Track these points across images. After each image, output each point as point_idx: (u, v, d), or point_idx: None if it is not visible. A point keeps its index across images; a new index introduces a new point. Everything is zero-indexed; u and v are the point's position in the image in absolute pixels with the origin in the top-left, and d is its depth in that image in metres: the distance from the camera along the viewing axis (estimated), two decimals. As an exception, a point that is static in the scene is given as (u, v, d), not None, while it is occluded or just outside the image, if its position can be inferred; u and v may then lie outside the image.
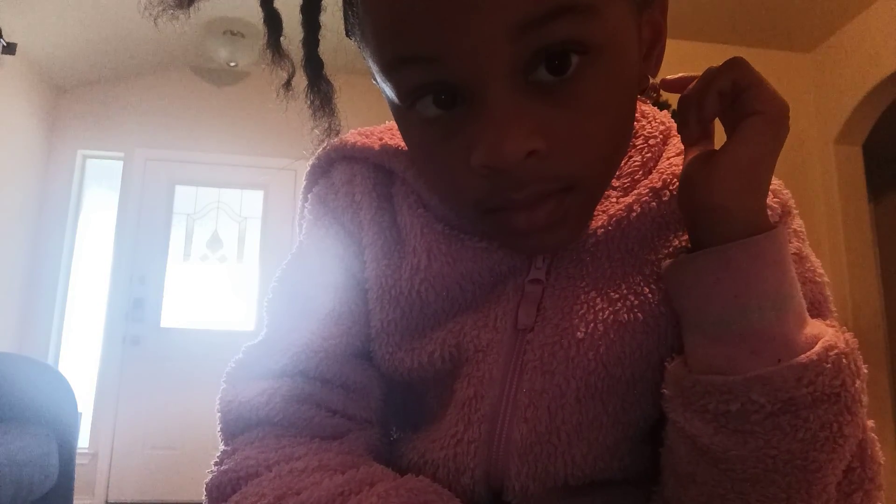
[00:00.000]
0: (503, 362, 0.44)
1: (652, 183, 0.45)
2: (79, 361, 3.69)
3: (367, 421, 0.47)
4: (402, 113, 0.40)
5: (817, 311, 0.44)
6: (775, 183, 0.47)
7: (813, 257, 0.47)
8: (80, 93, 3.84)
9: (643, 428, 0.45)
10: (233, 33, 3.50)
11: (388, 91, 0.40)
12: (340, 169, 0.51)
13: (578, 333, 0.42)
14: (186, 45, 3.69)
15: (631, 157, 0.47)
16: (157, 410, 3.53)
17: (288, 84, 0.50)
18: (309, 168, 0.54)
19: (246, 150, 3.89)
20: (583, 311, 0.43)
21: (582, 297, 0.43)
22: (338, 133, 0.51)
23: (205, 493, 0.43)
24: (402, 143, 0.49)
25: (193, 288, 3.79)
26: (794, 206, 0.48)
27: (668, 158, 0.46)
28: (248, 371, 0.47)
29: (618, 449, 0.44)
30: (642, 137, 0.48)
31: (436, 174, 0.41)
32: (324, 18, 0.50)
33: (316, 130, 0.51)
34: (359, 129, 0.54)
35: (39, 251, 3.66)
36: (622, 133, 0.41)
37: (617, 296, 0.43)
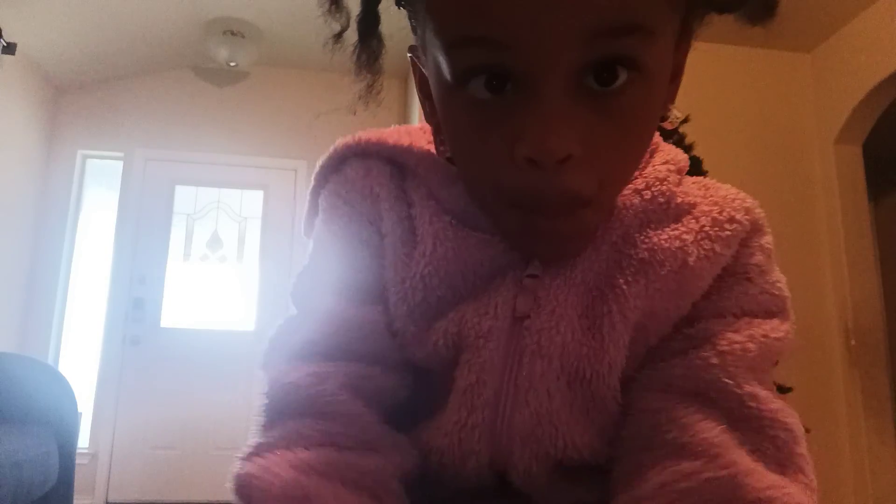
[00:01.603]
0: (503, 348, 0.46)
1: (636, 185, 0.48)
2: (79, 361, 3.69)
3: (407, 402, 0.49)
4: (451, 91, 0.40)
5: (764, 314, 0.47)
6: (749, 202, 0.50)
7: (777, 273, 0.49)
8: (80, 93, 3.84)
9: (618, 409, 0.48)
10: (233, 33, 3.50)
11: (444, 67, 0.39)
12: (354, 165, 0.52)
13: (569, 322, 0.45)
14: (186, 45, 3.69)
15: None
16: (157, 410, 3.53)
17: (339, 36, 0.50)
18: (318, 168, 0.54)
19: (246, 150, 3.89)
20: (573, 303, 0.46)
21: (572, 288, 0.46)
22: (378, 93, 0.52)
23: (233, 485, 0.41)
24: (413, 141, 0.51)
25: (193, 288, 3.79)
26: (765, 225, 0.50)
27: (654, 166, 0.49)
28: (291, 354, 0.46)
29: (610, 432, 0.47)
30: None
31: (473, 158, 0.42)
32: (333, 23, 0.50)
33: (356, 87, 0.52)
34: (366, 130, 0.54)
35: (39, 251, 3.66)
36: (643, 152, 0.45)
37: (597, 290, 0.46)
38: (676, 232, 0.47)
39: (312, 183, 0.54)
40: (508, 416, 0.46)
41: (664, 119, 0.46)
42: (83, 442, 3.37)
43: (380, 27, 0.49)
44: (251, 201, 3.93)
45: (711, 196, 0.49)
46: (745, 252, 0.48)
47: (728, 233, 0.47)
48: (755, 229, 0.49)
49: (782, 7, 0.40)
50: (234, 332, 3.73)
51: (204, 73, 3.96)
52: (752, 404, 0.42)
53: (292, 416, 0.43)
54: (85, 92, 3.84)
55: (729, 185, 0.52)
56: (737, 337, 0.44)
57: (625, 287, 0.45)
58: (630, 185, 0.47)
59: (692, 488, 0.39)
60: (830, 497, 3.09)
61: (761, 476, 0.39)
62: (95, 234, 3.89)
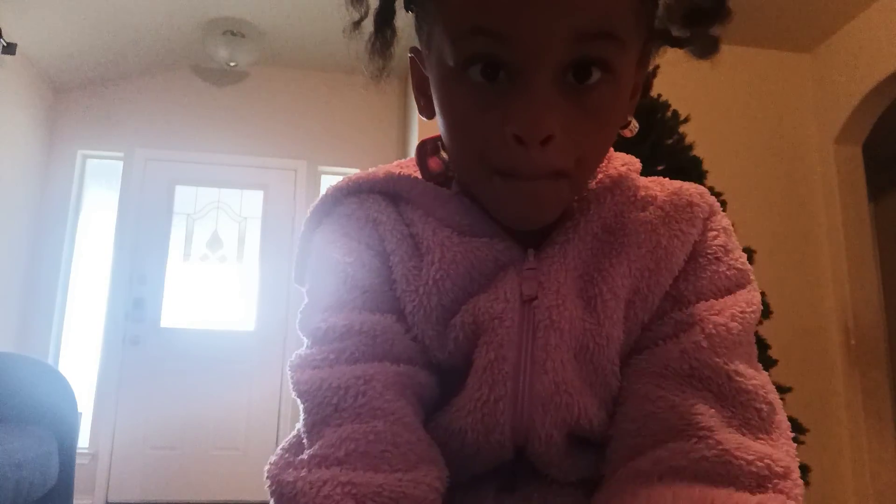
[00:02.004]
0: (517, 326, 0.50)
1: (605, 185, 0.55)
2: (79, 361, 3.68)
3: (439, 398, 0.52)
4: (452, 75, 0.47)
5: (738, 288, 0.53)
6: (701, 189, 0.57)
7: (739, 251, 0.55)
8: (80, 93, 3.84)
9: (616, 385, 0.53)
10: (233, 33, 3.50)
11: (448, 55, 0.46)
12: (347, 202, 0.56)
13: (573, 299, 0.51)
14: (186, 45, 3.69)
15: (595, 178, 0.57)
16: (157, 410, 3.53)
17: (357, 24, 0.54)
18: (310, 213, 0.57)
19: (246, 150, 3.90)
20: (570, 287, 0.51)
21: (566, 276, 0.52)
22: (387, 77, 0.56)
23: (273, 482, 0.44)
24: (402, 171, 0.57)
25: (193, 288, 3.79)
26: (719, 207, 0.58)
27: (616, 168, 0.57)
28: (319, 364, 0.49)
29: (610, 405, 0.52)
30: (602, 171, 0.57)
31: (466, 134, 0.48)
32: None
33: (368, 69, 0.56)
34: (354, 173, 0.59)
35: (39, 251, 3.66)
36: (609, 142, 0.51)
37: (587, 276, 0.52)
38: (646, 218, 0.54)
39: (303, 228, 0.58)
40: (529, 385, 0.50)
41: (624, 127, 0.54)
42: (83, 442, 3.38)
43: (394, 19, 0.55)
44: (251, 201, 3.93)
45: (667, 188, 0.57)
46: (710, 234, 0.55)
47: (690, 214, 0.54)
48: (713, 212, 0.56)
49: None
50: (234, 332, 3.73)
51: (204, 73, 3.96)
52: (739, 380, 0.47)
53: (340, 420, 0.46)
54: (85, 92, 3.84)
55: (678, 181, 0.60)
56: (720, 319, 0.50)
57: (610, 269, 0.52)
58: (601, 186, 0.55)
59: (686, 466, 0.43)
60: (830, 497, 3.09)
61: (749, 447, 0.44)
62: (95, 234, 3.88)
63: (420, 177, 0.57)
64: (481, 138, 0.46)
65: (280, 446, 0.48)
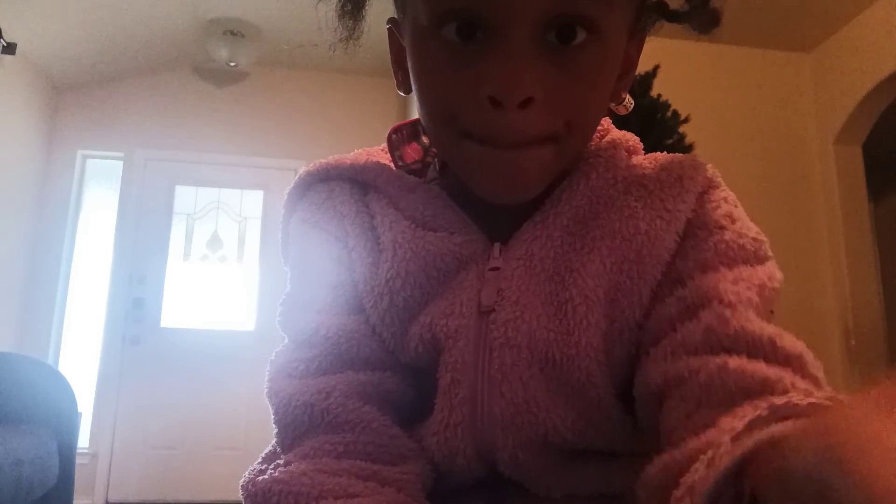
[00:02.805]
0: (473, 345, 0.47)
1: (582, 170, 0.50)
2: (79, 361, 3.69)
3: (415, 403, 0.50)
4: (426, 35, 0.44)
5: (755, 259, 0.45)
6: (699, 161, 0.51)
7: (749, 222, 0.48)
8: (80, 93, 3.84)
9: (611, 396, 0.47)
10: (233, 33, 3.50)
11: (421, 13, 0.43)
12: (317, 189, 0.55)
13: (534, 310, 0.46)
14: (186, 45, 3.69)
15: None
16: (157, 410, 3.53)
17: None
18: (286, 197, 0.57)
19: (246, 150, 3.90)
20: (534, 291, 0.47)
21: (532, 278, 0.47)
22: (358, 38, 0.54)
23: (246, 492, 0.43)
24: (370, 158, 0.55)
25: (193, 288, 3.79)
26: (721, 180, 0.51)
27: (600, 148, 0.51)
28: (290, 373, 0.48)
29: (591, 416, 0.47)
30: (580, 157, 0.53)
31: (438, 95, 0.45)
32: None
33: (338, 32, 0.54)
34: (328, 157, 0.58)
35: (39, 251, 3.66)
36: (600, 109, 0.48)
37: (557, 276, 0.47)
38: (627, 201, 0.48)
39: (283, 211, 0.57)
40: (487, 409, 0.46)
41: (618, 103, 0.51)
42: (83, 442, 3.37)
43: None
44: (251, 201, 3.93)
45: (660, 164, 0.51)
46: (709, 206, 0.48)
47: (679, 189, 0.48)
48: (711, 185, 0.50)
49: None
50: (235, 332, 3.73)
51: (204, 73, 3.96)
52: (780, 344, 0.39)
53: (308, 435, 0.45)
54: (85, 92, 3.84)
55: (681, 154, 0.53)
56: (736, 288, 0.42)
57: (581, 268, 0.47)
58: (577, 171, 0.50)
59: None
60: (830, 497, 3.09)
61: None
62: (95, 234, 3.88)
63: (391, 162, 0.55)
64: (454, 100, 0.43)
65: (256, 461, 0.47)
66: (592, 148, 0.52)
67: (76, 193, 3.84)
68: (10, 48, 3.00)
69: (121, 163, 3.83)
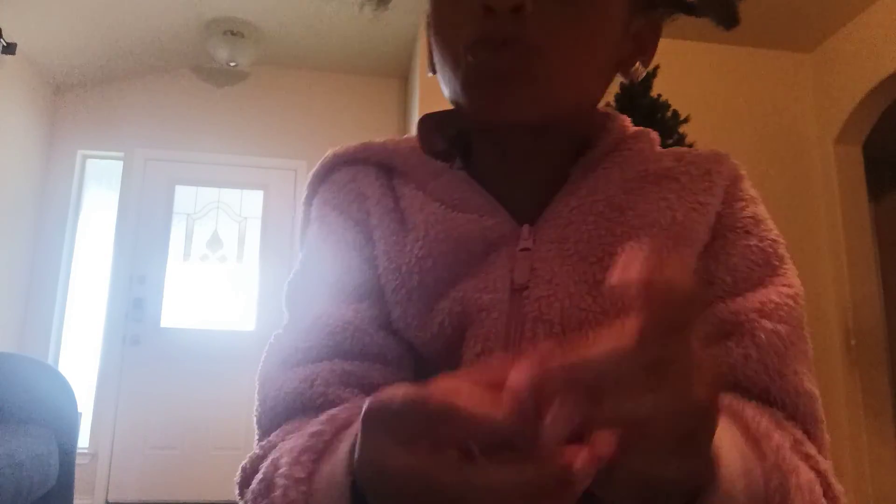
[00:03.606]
0: (505, 318, 0.48)
1: (614, 160, 0.52)
2: (79, 361, 3.69)
3: None
4: None
5: (776, 265, 0.49)
6: (721, 153, 0.54)
7: (770, 221, 0.52)
8: (80, 93, 3.84)
9: None
10: (233, 33, 3.50)
11: None
12: (342, 171, 0.56)
13: (570, 288, 0.47)
14: (186, 45, 3.69)
15: (597, 145, 0.53)
16: (157, 410, 3.53)
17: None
18: (309, 178, 0.58)
19: (246, 150, 3.90)
20: (568, 272, 0.48)
21: (566, 259, 0.48)
22: (385, 6, 0.57)
23: (239, 474, 0.44)
24: (398, 144, 0.56)
25: (193, 288, 3.79)
26: (742, 171, 0.54)
27: (627, 142, 0.54)
28: (284, 361, 0.48)
29: None
30: (605, 138, 0.54)
31: (444, 23, 0.49)
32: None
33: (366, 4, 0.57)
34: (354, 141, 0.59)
35: (39, 251, 3.66)
36: (592, 52, 0.48)
37: (594, 258, 0.48)
38: (661, 193, 0.50)
39: (305, 192, 0.58)
40: None
41: (628, 70, 0.52)
42: (83, 442, 3.37)
43: None
44: (251, 201, 3.93)
45: (685, 158, 0.53)
46: (737, 205, 0.51)
47: (709, 183, 0.51)
48: (735, 178, 0.52)
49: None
50: (234, 332, 3.73)
51: (204, 73, 3.96)
52: (800, 399, 0.45)
53: (288, 418, 0.45)
54: (85, 92, 3.84)
55: (695, 150, 0.56)
56: (769, 324, 0.45)
57: (619, 252, 0.47)
58: (609, 160, 0.52)
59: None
60: (830, 497, 3.09)
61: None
62: (95, 234, 3.88)
63: (420, 152, 0.56)
64: (456, 19, 0.46)
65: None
66: (621, 137, 0.53)
67: (76, 193, 3.84)
68: (10, 48, 3.00)
69: (121, 163, 3.83)
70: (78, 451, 2.00)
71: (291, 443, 0.39)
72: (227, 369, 3.60)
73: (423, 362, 0.52)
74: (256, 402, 0.48)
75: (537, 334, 0.47)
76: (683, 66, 3.02)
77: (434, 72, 0.52)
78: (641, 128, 0.57)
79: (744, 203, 0.51)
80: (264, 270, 3.80)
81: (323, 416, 0.40)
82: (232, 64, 3.66)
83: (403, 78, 4.01)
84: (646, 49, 0.53)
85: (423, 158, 0.55)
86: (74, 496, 1.92)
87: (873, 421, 3.11)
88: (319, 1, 3.22)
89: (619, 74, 0.53)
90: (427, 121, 0.58)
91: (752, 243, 0.49)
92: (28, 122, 3.51)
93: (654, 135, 0.56)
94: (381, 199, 0.54)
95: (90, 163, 3.93)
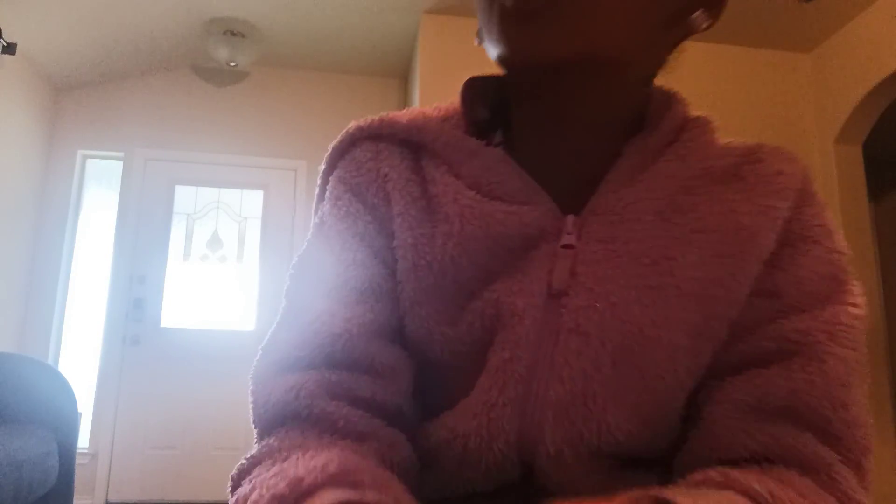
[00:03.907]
0: (539, 326, 0.44)
1: (676, 152, 0.47)
2: (79, 361, 3.69)
3: (396, 409, 0.46)
4: None
5: (843, 280, 0.45)
6: (791, 153, 0.48)
7: (834, 226, 0.47)
8: (80, 93, 3.84)
9: (678, 400, 0.45)
10: (233, 33, 3.50)
11: None
12: (364, 147, 0.51)
13: (612, 298, 0.43)
14: (186, 45, 3.69)
15: (657, 128, 0.48)
16: (157, 410, 3.53)
17: None
18: (329, 150, 0.53)
19: (246, 150, 3.90)
20: (615, 276, 0.44)
21: (614, 261, 0.44)
22: None
23: (229, 482, 0.43)
24: (428, 120, 0.51)
25: (193, 288, 3.79)
26: (810, 175, 0.48)
27: (689, 132, 0.48)
28: (276, 364, 0.46)
29: (651, 418, 0.44)
30: (668, 120, 0.49)
31: None
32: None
33: None
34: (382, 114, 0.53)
35: (39, 251, 3.66)
36: (633, 6, 0.42)
37: (648, 260, 0.44)
38: (725, 195, 0.45)
39: (323, 166, 0.53)
40: (542, 392, 0.44)
41: (688, 23, 0.45)
42: (83, 442, 3.37)
43: None
44: (251, 201, 3.93)
45: (753, 153, 0.48)
46: (807, 210, 0.46)
47: (779, 185, 0.46)
48: (806, 181, 0.47)
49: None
50: (234, 332, 3.73)
51: (204, 73, 3.96)
52: (855, 431, 0.43)
53: (279, 426, 0.43)
54: (85, 92, 3.84)
55: (764, 142, 0.51)
56: (837, 350, 0.42)
57: (679, 258, 0.44)
58: (671, 151, 0.47)
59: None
60: (830, 497, 3.09)
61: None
62: (95, 234, 3.89)
63: (452, 124, 0.51)
64: None
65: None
66: (682, 123, 0.49)
67: (76, 193, 3.84)
68: (10, 48, 3.00)
69: (121, 163, 3.83)
70: (78, 451, 2.00)
71: (258, 492, 0.36)
72: (227, 369, 3.60)
73: (438, 365, 0.48)
74: (250, 403, 0.46)
75: (571, 347, 0.43)
76: (683, 66, 3.02)
77: (482, 41, 0.47)
78: (700, 114, 0.51)
79: (814, 210, 0.46)
80: (264, 270, 3.80)
81: (290, 472, 0.36)
82: (232, 64, 3.66)
83: (403, 78, 4.01)
84: (703, 3, 0.45)
85: (455, 135, 0.49)
86: (74, 496, 1.92)
87: (873, 421, 3.11)
88: (319, 1, 3.22)
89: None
90: (472, 85, 0.52)
91: (820, 255, 0.45)
92: (28, 122, 3.51)
93: (714, 123, 0.51)
94: (407, 185, 0.49)
95: (90, 163, 3.93)
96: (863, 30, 3.16)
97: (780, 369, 0.42)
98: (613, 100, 0.47)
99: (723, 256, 0.44)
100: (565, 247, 0.45)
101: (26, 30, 3.12)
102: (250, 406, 0.46)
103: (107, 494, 3.44)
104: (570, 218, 0.45)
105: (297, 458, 0.38)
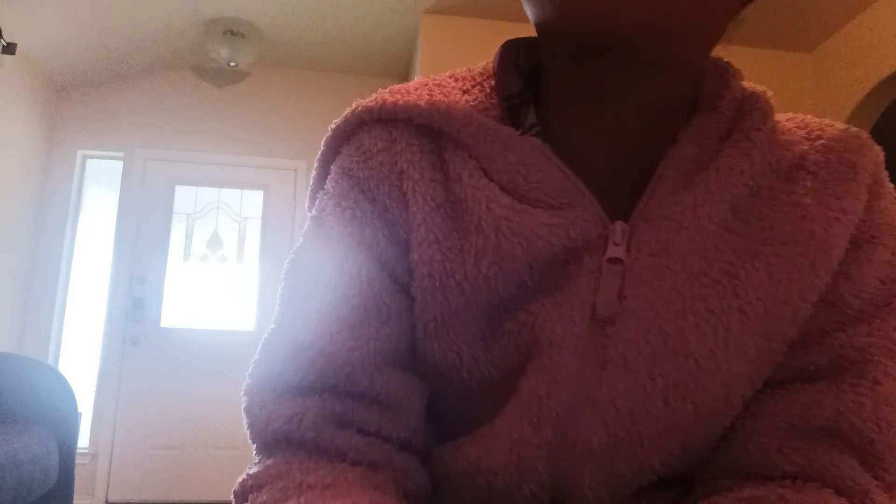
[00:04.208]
0: (579, 357, 0.38)
1: (738, 144, 0.39)
2: (79, 361, 3.69)
3: (404, 442, 0.42)
4: None
5: None
6: (863, 135, 0.42)
7: None
8: (80, 93, 3.84)
9: (725, 426, 0.41)
10: (233, 33, 3.50)
11: None
12: (374, 133, 0.43)
13: (666, 327, 0.38)
14: (186, 45, 3.69)
15: (714, 109, 0.41)
16: (157, 410, 3.53)
17: None
18: (330, 132, 0.45)
19: (246, 150, 3.90)
20: (670, 299, 0.38)
21: (669, 280, 0.38)
22: None
23: (232, 497, 0.40)
24: (451, 100, 0.42)
25: (193, 288, 3.79)
26: (882, 159, 0.41)
27: (757, 128, 0.41)
28: (272, 384, 0.41)
29: (699, 448, 0.41)
30: (728, 100, 0.41)
31: None
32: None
33: None
34: (390, 88, 0.45)
35: (39, 251, 3.66)
36: None
37: (708, 279, 0.38)
38: (794, 196, 0.39)
39: (322, 148, 0.46)
40: (582, 436, 0.39)
41: None
42: (83, 442, 3.37)
43: None
44: (251, 201, 3.93)
45: (820, 139, 0.41)
46: (876, 205, 0.40)
47: (854, 183, 0.39)
48: (878, 168, 0.41)
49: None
50: (234, 332, 3.73)
51: (204, 73, 3.96)
52: (885, 452, 0.38)
53: (280, 451, 0.40)
54: (85, 92, 3.84)
55: (826, 120, 0.44)
56: (893, 368, 0.38)
57: (745, 277, 0.38)
58: (733, 144, 0.39)
59: None
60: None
61: None
62: (95, 234, 3.89)
63: (475, 101, 0.43)
64: None
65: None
66: (741, 103, 0.42)
67: (76, 193, 3.84)
68: (10, 48, 3.00)
69: (121, 163, 3.83)
70: (78, 451, 2.00)
71: None
72: (227, 369, 3.59)
73: (460, 388, 0.42)
74: (245, 419, 0.42)
75: (617, 386, 0.38)
76: (683, 66, 3.01)
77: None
78: (756, 88, 0.45)
79: (883, 203, 0.40)
80: (264, 270, 3.80)
81: None
82: (232, 64, 3.66)
83: (403, 78, 4.01)
84: None
85: (486, 123, 0.40)
86: (74, 496, 1.92)
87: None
88: (319, 1, 3.22)
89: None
90: (509, 50, 0.44)
91: (885, 258, 0.39)
92: (28, 122, 3.51)
93: (766, 96, 0.43)
94: (430, 186, 0.41)
95: (90, 163, 3.93)
96: (863, 30, 3.16)
97: (827, 386, 0.38)
98: (672, 76, 0.39)
99: (793, 272, 0.38)
100: (612, 260, 0.38)
101: (26, 30, 3.12)
102: (246, 422, 0.42)
103: (107, 494, 3.45)
104: (619, 225, 0.38)
105: (321, 495, 0.35)
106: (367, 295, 0.41)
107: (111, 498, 3.44)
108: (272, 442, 0.40)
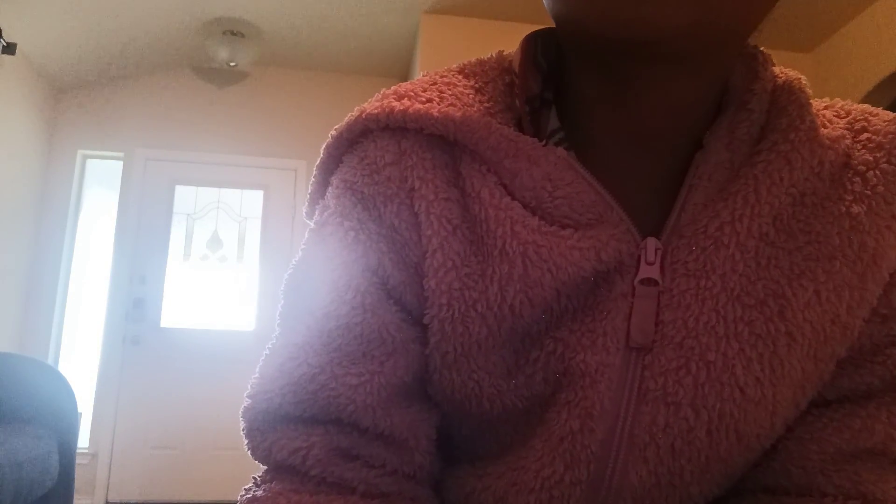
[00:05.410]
0: (615, 390, 0.36)
1: (777, 146, 0.35)
2: (79, 361, 3.69)
3: (411, 474, 0.40)
4: None
5: None
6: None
7: None
8: (80, 93, 3.84)
9: (765, 449, 0.38)
10: (233, 33, 3.50)
11: None
12: (380, 143, 0.38)
13: (709, 355, 0.35)
14: (186, 45, 3.69)
15: (745, 107, 0.37)
16: (157, 410, 3.53)
17: None
18: (331, 139, 0.41)
19: (246, 150, 3.90)
20: (712, 324, 0.35)
21: (709, 303, 0.35)
22: None
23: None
24: (466, 106, 0.38)
25: (193, 288, 3.79)
26: None
27: (796, 127, 0.36)
28: (273, 414, 0.39)
29: (738, 474, 0.39)
30: (759, 94, 0.38)
31: None
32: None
33: None
34: (395, 88, 0.40)
35: (40, 251, 3.66)
36: None
37: (752, 301, 0.35)
38: (842, 205, 0.35)
39: (322, 155, 0.42)
40: (619, 474, 0.36)
41: None
42: (83, 442, 3.37)
43: None
44: (251, 201, 3.93)
45: (864, 131, 0.38)
46: None
47: None
48: None
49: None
50: (234, 332, 3.73)
51: (204, 73, 3.96)
52: None
53: (284, 478, 0.39)
54: (85, 92, 3.84)
55: (867, 106, 0.40)
56: None
57: (792, 297, 0.34)
58: (770, 146, 0.36)
59: None
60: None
61: None
62: (96, 234, 3.89)
63: (489, 103, 0.38)
64: None
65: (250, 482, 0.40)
66: (775, 96, 0.38)
67: (76, 193, 3.84)
68: (10, 48, 3.00)
69: (121, 163, 3.83)
70: (78, 451, 2.00)
71: None
72: (227, 369, 3.60)
73: (481, 417, 0.40)
74: (245, 438, 0.40)
75: (657, 422, 0.35)
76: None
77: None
78: (790, 75, 0.41)
79: None
80: (264, 270, 3.80)
81: None
82: (232, 64, 3.66)
83: (403, 78, 4.00)
84: None
85: (507, 134, 0.36)
86: (74, 496, 1.92)
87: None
88: (319, 1, 3.22)
89: None
90: (532, 45, 0.39)
91: None
92: (28, 122, 3.51)
93: (807, 87, 0.39)
94: (445, 206, 0.37)
95: (90, 163, 3.93)
96: (863, 30, 3.16)
97: (879, 409, 0.36)
98: (703, 76, 0.35)
99: (842, 289, 0.35)
100: (645, 281, 0.35)
101: (26, 30, 3.12)
102: (246, 443, 0.40)
103: (107, 494, 3.44)
104: (651, 242, 0.35)
105: None
106: (370, 325, 0.38)
107: (111, 498, 3.44)
108: (276, 466, 0.39)
